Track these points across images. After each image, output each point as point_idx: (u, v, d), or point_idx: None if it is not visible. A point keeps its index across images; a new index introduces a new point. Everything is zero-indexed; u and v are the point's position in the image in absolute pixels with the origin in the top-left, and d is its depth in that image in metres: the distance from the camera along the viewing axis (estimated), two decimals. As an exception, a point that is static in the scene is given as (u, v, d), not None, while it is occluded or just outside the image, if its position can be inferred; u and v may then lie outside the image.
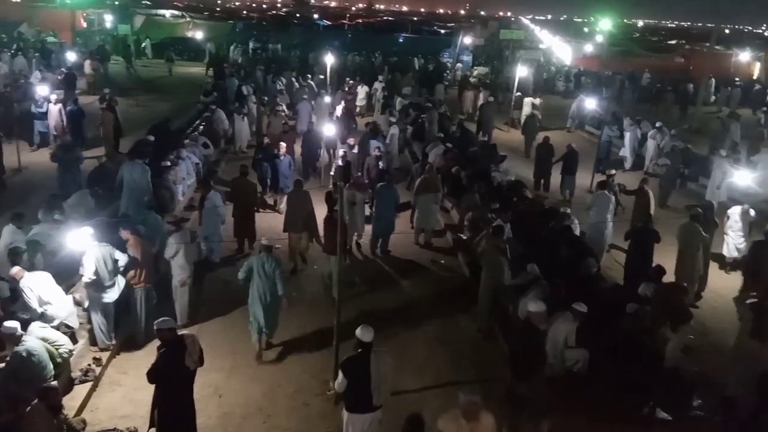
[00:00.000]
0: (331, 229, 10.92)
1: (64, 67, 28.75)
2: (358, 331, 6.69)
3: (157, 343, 7.34)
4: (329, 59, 24.82)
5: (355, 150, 16.83)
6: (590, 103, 22.92)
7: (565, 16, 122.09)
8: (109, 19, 46.42)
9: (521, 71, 26.95)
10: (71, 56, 31.39)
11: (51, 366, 7.61)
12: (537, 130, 22.10)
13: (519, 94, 26.64)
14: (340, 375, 6.65)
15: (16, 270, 8.60)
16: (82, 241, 8.75)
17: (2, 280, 9.23)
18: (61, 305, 8.73)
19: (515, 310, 9.98)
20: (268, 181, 15.49)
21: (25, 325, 7.84)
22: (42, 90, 19.55)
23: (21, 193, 15.08)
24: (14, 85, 24.38)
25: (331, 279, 11.24)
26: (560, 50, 51.70)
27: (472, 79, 34.30)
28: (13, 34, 37.54)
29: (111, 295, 9.15)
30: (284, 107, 21.64)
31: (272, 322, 9.42)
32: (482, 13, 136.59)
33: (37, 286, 8.50)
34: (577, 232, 12.36)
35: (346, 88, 26.72)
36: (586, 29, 56.41)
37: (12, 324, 7.40)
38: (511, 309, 10.17)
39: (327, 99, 22.37)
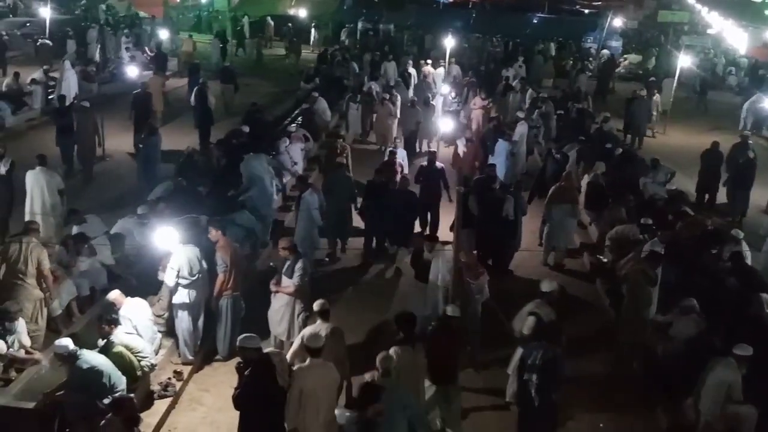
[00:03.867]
0: (444, 339, 8.37)
1: (155, 46, 30.52)
2: None
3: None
4: (449, 42, 24.90)
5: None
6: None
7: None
8: (205, -6, 48.73)
9: (684, 61, 25.94)
10: (163, 34, 33.16)
11: (122, 378, 8.00)
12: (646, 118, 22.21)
13: (653, 79, 25.68)
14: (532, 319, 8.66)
15: (116, 295, 9.14)
16: (169, 241, 9.24)
17: (83, 277, 9.95)
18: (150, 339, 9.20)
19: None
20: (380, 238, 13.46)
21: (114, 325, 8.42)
22: (131, 70, 20.86)
23: (105, 183, 16.18)
24: (102, 64, 26.25)
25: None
26: (733, 37, 49.26)
27: (620, 69, 33.40)
28: (101, 6, 39.84)
29: (198, 303, 9.61)
30: (394, 96, 21.84)
31: (345, 232, 13.29)
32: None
33: (136, 317, 9.03)
34: (749, 261, 11.74)
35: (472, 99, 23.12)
36: (767, 12, 53.32)
37: (64, 342, 7.79)
38: (660, 351, 9.81)
39: (444, 90, 22.34)
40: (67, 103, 17.39)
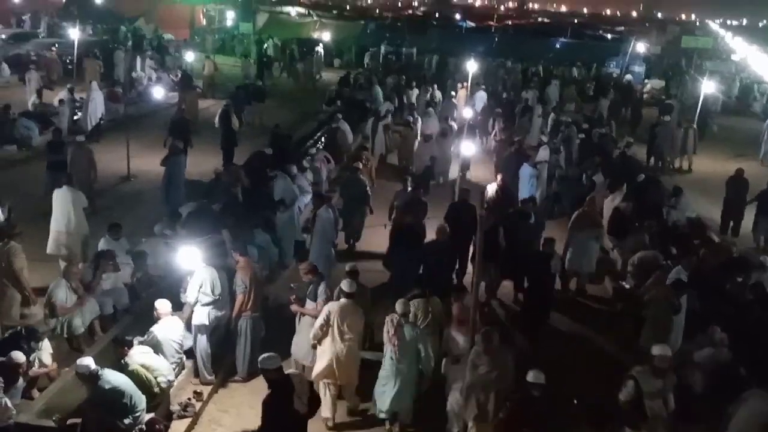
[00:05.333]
0: (523, 412, 7.43)
1: (178, 68, 30.93)
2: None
3: (261, 380, 7.56)
4: (471, 66, 24.98)
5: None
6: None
7: (765, 21, 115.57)
8: (230, 17, 49.43)
9: (708, 87, 25.80)
10: (189, 56, 33.57)
11: (143, 398, 8.05)
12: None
13: (669, 102, 25.47)
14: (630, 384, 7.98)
15: (164, 307, 9.21)
16: (191, 262, 9.30)
17: (107, 296, 9.99)
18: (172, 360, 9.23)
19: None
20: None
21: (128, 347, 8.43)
22: (157, 92, 21.12)
23: (129, 203, 16.25)
24: (129, 85, 26.63)
25: None
26: (758, 62, 49.07)
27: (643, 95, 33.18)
28: (122, 28, 40.35)
29: (217, 323, 9.63)
30: (416, 120, 21.93)
31: (356, 231, 14.52)
32: (659, 15, 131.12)
33: (164, 336, 9.09)
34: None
35: (495, 132, 22.46)
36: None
37: (85, 361, 7.84)
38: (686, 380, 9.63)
39: (467, 113, 22.29)
40: (94, 124, 17.54)
